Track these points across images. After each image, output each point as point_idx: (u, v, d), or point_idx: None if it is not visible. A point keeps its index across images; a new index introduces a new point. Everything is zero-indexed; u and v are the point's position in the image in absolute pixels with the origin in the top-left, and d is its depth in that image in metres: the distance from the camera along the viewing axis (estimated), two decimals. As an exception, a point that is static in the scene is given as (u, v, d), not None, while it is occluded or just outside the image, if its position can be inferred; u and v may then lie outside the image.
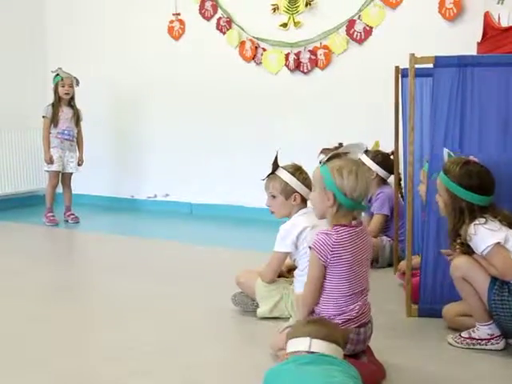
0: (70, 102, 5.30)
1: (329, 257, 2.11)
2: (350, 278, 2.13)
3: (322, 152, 4.07)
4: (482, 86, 2.66)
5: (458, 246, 2.44)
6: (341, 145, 3.94)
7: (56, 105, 5.24)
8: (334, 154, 2.21)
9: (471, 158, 2.49)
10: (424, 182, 2.96)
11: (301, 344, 1.85)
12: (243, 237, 4.75)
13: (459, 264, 2.42)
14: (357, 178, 2.11)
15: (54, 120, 5.21)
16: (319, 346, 1.82)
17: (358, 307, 2.14)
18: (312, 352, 1.81)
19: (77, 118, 5.32)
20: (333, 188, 2.13)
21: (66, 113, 5.27)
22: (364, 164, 2.22)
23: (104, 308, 3.04)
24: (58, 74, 5.24)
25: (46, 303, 3.14)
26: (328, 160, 2.20)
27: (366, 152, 3.87)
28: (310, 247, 2.18)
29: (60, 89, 5.22)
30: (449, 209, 2.47)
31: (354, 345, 2.13)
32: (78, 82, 5.34)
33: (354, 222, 2.18)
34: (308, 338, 1.83)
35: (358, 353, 2.17)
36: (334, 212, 2.16)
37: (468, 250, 2.42)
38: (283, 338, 2.01)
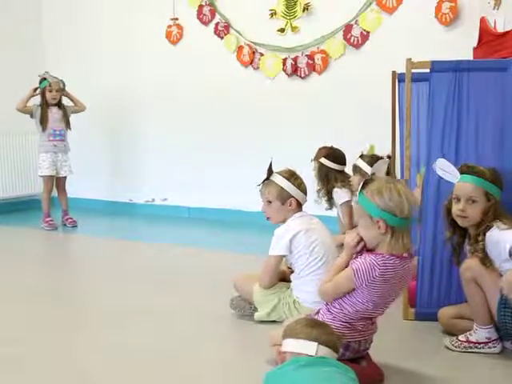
0: (59, 104, 5.29)
1: (364, 284, 2.03)
2: (375, 304, 2.08)
3: (318, 150, 4.11)
4: (478, 91, 2.67)
5: (479, 250, 2.38)
6: (364, 154, 3.95)
7: (44, 108, 5.22)
8: (366, 181, 2.08)
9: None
10: (420, 186, 2.97)
11: (308, 348, 1.83)
12: (241, 241, 4.76)
13: (472, 266, 2.39)
14: (399, 193, 1.99)
15: (42, 122, 5.21)
16: (323, 351, 1.83)
17: (364, 323, 2.14)
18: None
19: (67, 120, 5.32)
20: (381, 214, 2.00)
21: (54, 113, 5.26)
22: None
23: (103, 311, 3.04)
24: (45, 79, 5.22)
25: (43, 306, 3.14)
26: (362, 188, 2.07)
27: (362, 156, 3.89)
28: (352, 267, 2.05)
29: (48, 94, 5.20)
30: (490, 215, 2.38)
31: (354, 353, 2.14)
32: (64, 85, 5.32)
33: (405, 254, 2.05)
34: (316, 344, 1.82)
35: (356, 358, 2.18)
36: (389, 239, 2.02)
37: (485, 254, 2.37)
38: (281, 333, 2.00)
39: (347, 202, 3.98)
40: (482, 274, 2.36)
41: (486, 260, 2.36)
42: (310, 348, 1.81)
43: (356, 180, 3.82)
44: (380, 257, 2.02)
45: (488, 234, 2.37)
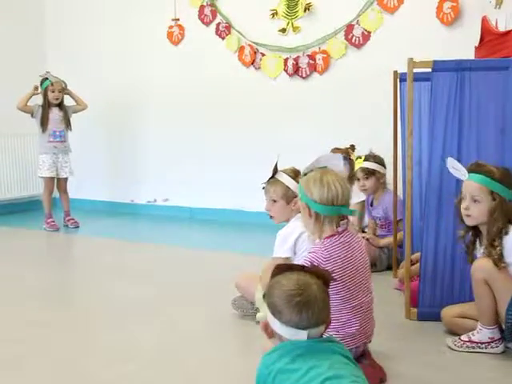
0: (60, 104, 5.29)
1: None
2: (345, 293, 2.11)
3: (332, 152, 4.10)
4: (480, 90, 2.67)
5: (495, 254, 2.34)
6: (352, 146, 3.97)
7: (45, 108, 5.22)
8: (309, 171, 2.24)
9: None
10: None
11: (298, 335, 1.57)
12: (243, 241, 4.76)
13: (483, 266, 2.36)
14: (321, 183, 2.12)
15: (43, 123, 5.21)
16: (315, 332, 1.58)
17: (358, 323, 2.14)
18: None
19: (67, 121, 5.32)
20: (304, 199, 2.17)
21: (55, 114, 5.26)
22: (333, 171, 2.21)
23: (105, 312, 3.05)
24: (47, 79, 5.22)
25: (46, 306, 3.15)
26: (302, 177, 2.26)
27: (367, 158, 3.87)
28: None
29: (50, 94, 5.20)
30: (496, 215, 2.36)
31: (353, 354, 2.14)
32: (66, 85, 5.32)
33: (339, 229, 2.15)
34: (306, 333, 1.56)
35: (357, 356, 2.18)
36: (313, 222, 2.16)
37: (496, 250, 2.34)
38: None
39: (360, 202, 3.98)
40: (493, 275, 2.34)
41: (499, 261, 2.33)
42: (300, 335, 1.58)
43: (370, 183, 3.82)
44: (319, 244, 2.15)
45: (506, 238, 2.34)
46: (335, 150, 4.03)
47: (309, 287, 1.57)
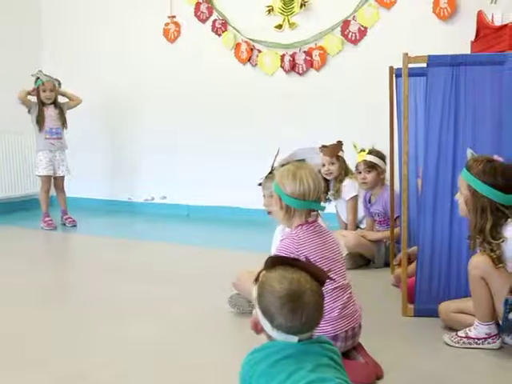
0: (54, 102, 5.27)
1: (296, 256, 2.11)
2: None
3: (319, 149, 4.09)
4: (476, 85, 2.66)
5: (486, 247, 2.34)
6: (339, 142, 3.97)
7: (40, 107, 5.21)
8: (286, 163, 2.31)
9: (495, 157, 2.42)
10: (421, 177, 2.94)
11: (288, 338, 1.52)
12: (240, 238, 4.75)
13: (480, 263, 2.35)
14: (294, 177, 2.17)
15: (39, 121, 5.19)
16: (307, 335, 1.52)
17: (339, 306, 2.14)
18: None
19: (63, 118, 5.30)
20: (277, 191, 2.24)
21: (51, 112, 5.25)
22: (308, 166, 2.28)
23: (103, 309, 3.04)
24: (38, 78, 5.20)
25: (45, 305, 3.14)
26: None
27: (370, 152, 3.86)
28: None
29: (42, 94, 5.18)
30: (470, 207, 2.38)
31: (345, 342, 2.14)
32: (60, 84, 5.31)
33: (309, 219, 2.23)
34: (296, 337, 1.50)
35: (349, 351, 2.18)
36: (283, 214, 2.23)
37: (495, 251, 2.33)
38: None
39: (355, 196, 3.96)
40: (491, 273, 2.33)
41: (497, 260, 2.31)
42: (290, 339, 1.51)
43: (371, 176, 3.81)
44: (290, 233, 2.22)
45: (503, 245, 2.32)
46: (322, 148, 4.01)
47: (303, 293, 1.48)
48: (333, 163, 3.95)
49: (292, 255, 2.11)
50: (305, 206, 2.19)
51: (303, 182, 2.17)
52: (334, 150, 3.96)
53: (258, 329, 1.61)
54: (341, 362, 1.57)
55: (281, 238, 2.25)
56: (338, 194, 3.99)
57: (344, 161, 3.97)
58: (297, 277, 1.50)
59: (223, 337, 2.67)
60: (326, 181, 4.07)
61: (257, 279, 1.61)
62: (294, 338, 1.50)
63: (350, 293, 2.23)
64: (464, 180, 2.40)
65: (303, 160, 2.30)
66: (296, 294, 1.48)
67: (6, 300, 3.25)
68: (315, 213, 2.26)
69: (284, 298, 1.48)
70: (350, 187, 3.94)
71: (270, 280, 1.54)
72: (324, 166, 3.96)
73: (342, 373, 1.53)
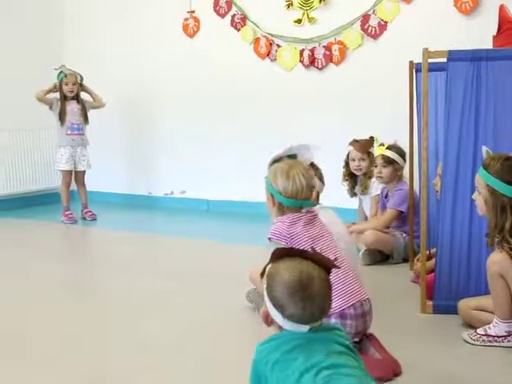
0: (77, 97, 5.32)
1: (288, 237, 2.21)
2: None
3: (350, 143, 4.09)
4: (497, 80, 2.63)
5: (505, 245, 2.33)
6: (371, 138, 3.96)
7: (62, 101, 5.25)
8: (277, 159, 2.38)
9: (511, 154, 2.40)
10: (440, 175, 2.93)
11: (299, 328, 1.52)
12: (260, 233, 4.71)
13: (498, 260, 2.34)
14: (288, 176, 2.24)
15: (61, 116, 5.24)
16: (318, 324, 1.54)
17: (340, 282, 2.15)
18: None
19: (85, 114, 5.34)
20: (270, 189, 2.30)
21: (73, 107, 5.29)
22: (300, 164, 2.34)
23: (118, 304, 3.07)
24: (61, 72, 5.24)
25: (64, 299, 3.18)
26: (272, 165, 2.37)
27: (389, 148, 3.83)
28: (269, 238, 2.28)
29: (64, 87, 5.23)
30: (489, 206, 2.36)
31: (355, 320, 2.15)
32: (82, 78, 5.34)
33: (303, 211, 2.30)
34: (307, 326, 1.51)
35: (363, 341, 2.18)
36: (276, 210, 2.31)
37: None
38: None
39: (378, 194, 3.98)
40: (508, 269, 2.32)
41: None
42: (301, 328, 1.53)
43: (387, 171, 3.79)
44: (281, 218, 2.28)
45: None
46: (353, 143, 4.01)
47: (312, 281, 1.50)
48: (363, 159, 3.96)
49: (283, 237, 2.21)
50: (296, 204, 2.28)
51: (295, 181, 2.24)
52: (364, 146, 3.96)
53: (268, 321, 1.60)
54: (352, 347, 1.58)
55: (274, 222, 2.31)
56: (366, 189, 4.00)
57: (374, 157, 3.94)
58: (305, 266, 1.53)
59: (238, 332, 2.69)
60: (353, 176, 4.08)
61: (263, 273, 1.61)
62: (305, 327, 1.52)
63: (350, 269, 2.24)
64: (482, 179, 2.38)
65: (294, 155, 2.36)
66: (306, 283, 1.50)
67: (25, 293, 3.29)
68: (305, 209, 2.32)
69: (294, 287, 1.50)
70: (378, 184, 3.97)
71: (279, 271, 1.55)
72: (354, 160, 3.96)
73: (356, 359, 1.54)
